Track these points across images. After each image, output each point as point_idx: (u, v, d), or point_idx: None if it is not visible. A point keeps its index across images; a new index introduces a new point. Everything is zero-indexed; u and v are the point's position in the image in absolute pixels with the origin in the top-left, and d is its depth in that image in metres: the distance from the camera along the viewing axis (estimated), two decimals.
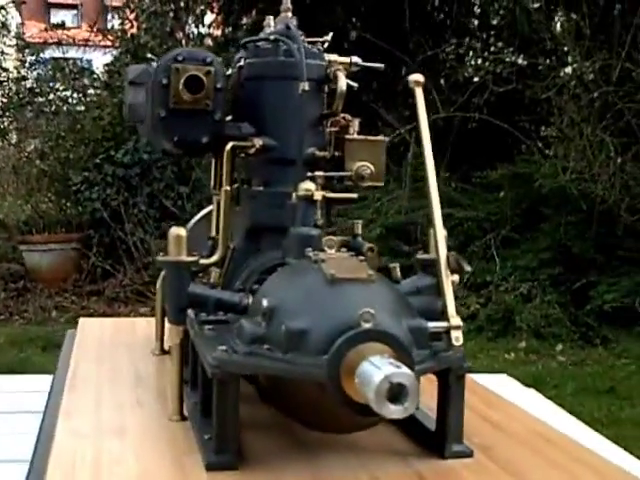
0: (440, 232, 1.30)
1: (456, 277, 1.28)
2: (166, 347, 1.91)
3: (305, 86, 1.56)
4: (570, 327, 6.13)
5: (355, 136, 1.66)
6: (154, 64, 1.63)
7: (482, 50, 7.70)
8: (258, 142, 1.62)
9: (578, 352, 5.91)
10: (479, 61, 7.67)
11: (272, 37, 1.63)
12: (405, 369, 1.06)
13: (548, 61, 7.32)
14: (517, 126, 7.10)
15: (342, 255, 1.35)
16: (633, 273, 6.19)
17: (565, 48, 6.88)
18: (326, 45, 1.66)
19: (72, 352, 1.95)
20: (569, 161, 6.19)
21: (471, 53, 7.65)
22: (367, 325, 1.15)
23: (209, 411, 1.40)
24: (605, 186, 6.06)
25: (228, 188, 1.61)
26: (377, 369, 1.07)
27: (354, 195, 1.60)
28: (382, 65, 1.70)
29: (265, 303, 1.24)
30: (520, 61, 7.53)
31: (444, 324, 1.25)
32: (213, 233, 1.86)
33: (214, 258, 1.61)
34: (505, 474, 1.25)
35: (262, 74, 1.65)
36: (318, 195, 1.50)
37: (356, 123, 1.68)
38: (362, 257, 1.34)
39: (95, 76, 10.45)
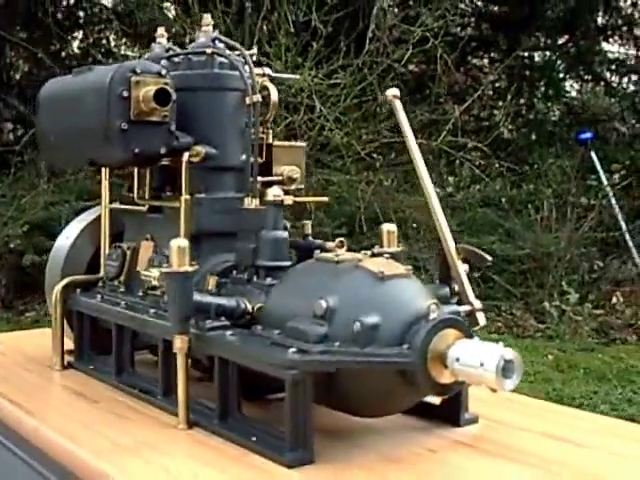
0: (445, 227, 1.50)
1: (466, 266, 1.49)
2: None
3: (257, 98, 1.65)
4: None
5: (281, 142, 1.78)
6: None
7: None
8: (201, 151, 1.67)
9: None
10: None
11: (209, 50, 1.69)
12: (508, 348, 1.26)
13: None
14: None
15: (360, 254, 1.48)
16: None
17: None
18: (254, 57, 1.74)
19: None
20: None
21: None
22: (435, 314, 1.33)
23: (226, 415, 1.46)
24: None
25: (188, 197, 1.64)
26: (486, 350, 1.25)
27: (325, 198, 1.72)
28: (298, 76, 1.82)
29: (324, 304, 1.35)
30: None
31: (468, 307, 1.46)
32: (103, 244, 1.87)
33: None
34: (519, 431, 1.50)
35: (197, 85, 1.70)
36: (289, 200, 1.60)
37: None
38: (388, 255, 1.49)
39: None
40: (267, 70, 1.80)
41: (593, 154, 7.51)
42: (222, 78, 1.70)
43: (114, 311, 1.71)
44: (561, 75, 8.68)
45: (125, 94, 1.56)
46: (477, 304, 1.45)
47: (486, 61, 8.66)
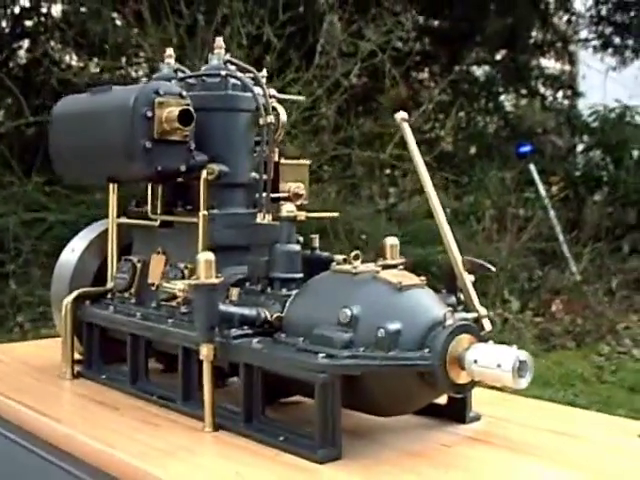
0: (452, 242, 1.61)
1: (472, 277, 1.60)
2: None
3: (270, 119, 1.75)
4: None
5: (287, 160, 1.88)
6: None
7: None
8: (216, 169, 1.76)
9: None
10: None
11: (223, 72, 1.78)
12: (521, 350, 1.38)
13: None
14: None
15: (375, 266, 1.58)
16: None
17: None
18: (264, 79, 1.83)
19: None
20: None
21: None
22: (451, 321, 1.44)
23: (251, 418, 1.56)
24: None
25: (206, 212, 1.73)
26: (502, 352, 1.37)
27: (335, 214, 1.82)
28: (302, 97, 1.92)
29: (348, 312, 1.46)
30: None
31: (475, 314, 1.57)
32: (111, 257, 1.94)
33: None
34: (519, 426, 1.63)
35: (211, 106, 1.78)
36: (302, 215, 1.70)
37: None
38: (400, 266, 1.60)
39: None
40: (273, 91, 1.90)
41: (532, 167, 7.77)
42: (235, 99, 1.79)
43: (131, 322, 1.79)
44: (500, 89, 8.95)
45: (149, 114, 1.64)
46: (483, 311, 1.57)
47: (427, 75, 8.88)
